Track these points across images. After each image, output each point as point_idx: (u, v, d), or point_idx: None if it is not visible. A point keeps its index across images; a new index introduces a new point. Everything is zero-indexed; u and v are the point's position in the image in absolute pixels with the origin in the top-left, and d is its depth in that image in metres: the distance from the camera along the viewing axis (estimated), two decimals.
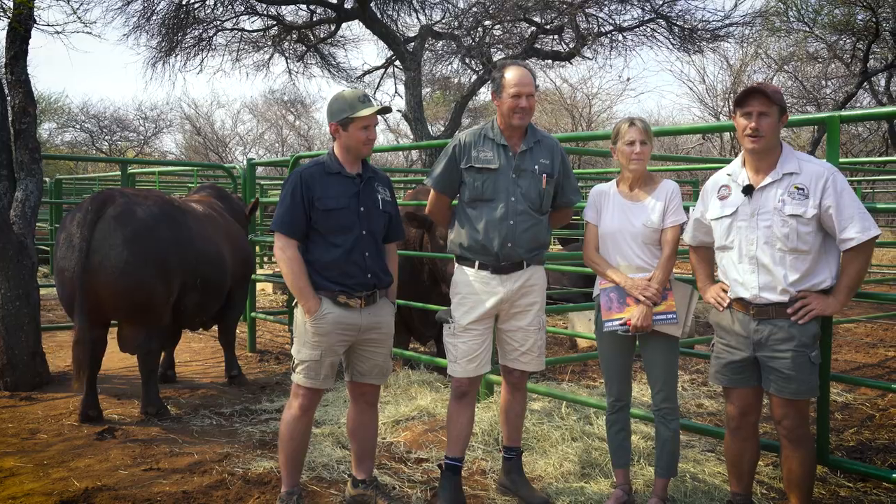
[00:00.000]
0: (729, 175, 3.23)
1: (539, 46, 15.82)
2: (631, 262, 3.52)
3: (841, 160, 3.86)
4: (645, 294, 3.42)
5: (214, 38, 16.18)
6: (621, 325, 3.48)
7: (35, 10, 6.12)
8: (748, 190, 3.13)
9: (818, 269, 3.06)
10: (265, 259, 12.98)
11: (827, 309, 3.05)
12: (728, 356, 3.22)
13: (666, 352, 3.53)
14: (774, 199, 3.06)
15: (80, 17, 6.83)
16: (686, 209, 3.62)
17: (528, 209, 3.57)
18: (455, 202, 3.82)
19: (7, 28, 6.03)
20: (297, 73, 18.18)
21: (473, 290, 3.61)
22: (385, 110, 3.68)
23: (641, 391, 5.44)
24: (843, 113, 3.69)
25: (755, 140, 3.07)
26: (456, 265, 3.72)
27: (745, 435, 3.31)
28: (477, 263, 3.60)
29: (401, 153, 31.28)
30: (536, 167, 3.59)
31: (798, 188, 3.02)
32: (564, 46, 16.12)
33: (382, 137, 34.60)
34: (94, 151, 33.13)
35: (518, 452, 3.85)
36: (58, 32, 6.94)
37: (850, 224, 2.95)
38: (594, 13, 15.31)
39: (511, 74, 3.53)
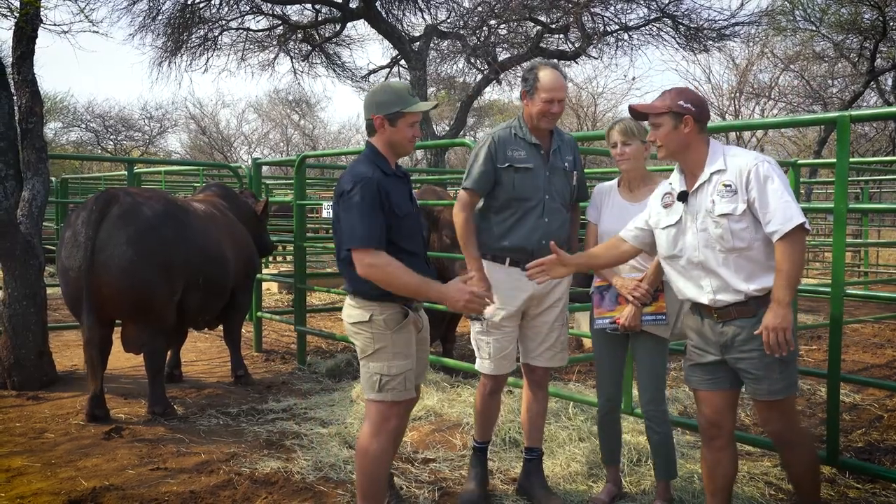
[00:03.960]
0: (670, 183, 3.16)
1: (544, 46, 15.82)
2: (635, 263, 3.53)
3: (850, 159, 3.83)
4: (634, 294, 3.43)
5: (220, 37, 16.21)
6: (610, 323, 3.53)
7: (42, 9, 6.13)
8: (682, 196, 3.06)
9: (770, 266, 2.89)
10: (271, 258, 12.99)
11: (780, 322, 2.78)
12: (698, 358, 3.13)
13: (651, 353, 3.55)
14: (706, 201, 2.97)
15: (87, 17, 6.84)
16: None
17: (561, 206, 3.64)
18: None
19: (14, 28, 6.04)
20: (302, 72, 18.24)
21: (504, 286, 3.60)
22: (435, 107, 3.58)
23: None
24: (854, 112, 3.67)
25: (658, 149, 3.07)
26: (484, 262, 3.66)
27: (720, 445, 3.12)
28: (508, 260, 3.60)
29: None
30: (566, 165, 3.66)
31: (726, 185, 2.91)
32: (570, 46, 16.12)
33: None
34: (100, 151, 33.20)
35: (538, 454, 3.83)
36: (64, 32, 6.96)
37: (774, 217, 2.81)
38: (600, 12, 15.31)
39: (546, 78, 3.51)
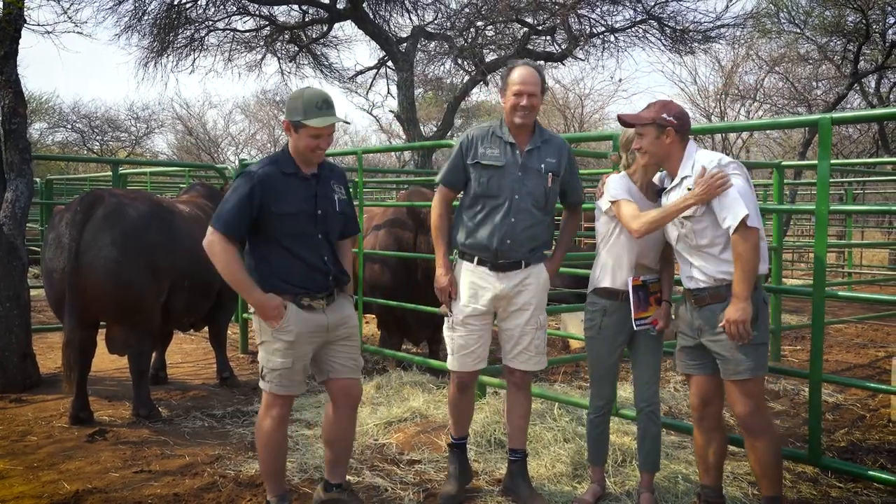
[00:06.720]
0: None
1: (531, 47, 15.82)
2: (649, 264, 3.55)
3: (832, 161, 3.86)
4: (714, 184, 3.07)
5: (206, 38, 16.10)
6: (649, 324, 3.52)
7: (25, 9, 6.09)
8: (660, 193, 3.44)
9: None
10: None
11: (740, 315, 3.03)
12: (682, 342, 3.39)
13: (655, 348, 3.62)
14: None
15: (70, 17, 6.80)
16: None
17: (531, 207, 3.59)
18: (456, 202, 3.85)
19: None
20: (290, 73, 18.15)
21: (470, 284, 3.64)
22: (342, 122, 3.45)
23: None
24: (835, 115, 3.70)
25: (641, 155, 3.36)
26: (457, 260, 3.73)
27: (708, 426, 3.40)
28: (476, 259, 3.63)
29: (393, 154, 31.28)
30: (543, 166, 3.63)
31: (689, 189, 3.16)
32: (557, 47, 16.14)
33: (375, 138, 34.62)
34: (86, 151, 32.95)
35: (522, 455, 3.83)
36: (48, 32, 6.93)
37: (728, 213, 3.04)
38: (586, 14, 15.32)
39: (516, 73, 3.56)
